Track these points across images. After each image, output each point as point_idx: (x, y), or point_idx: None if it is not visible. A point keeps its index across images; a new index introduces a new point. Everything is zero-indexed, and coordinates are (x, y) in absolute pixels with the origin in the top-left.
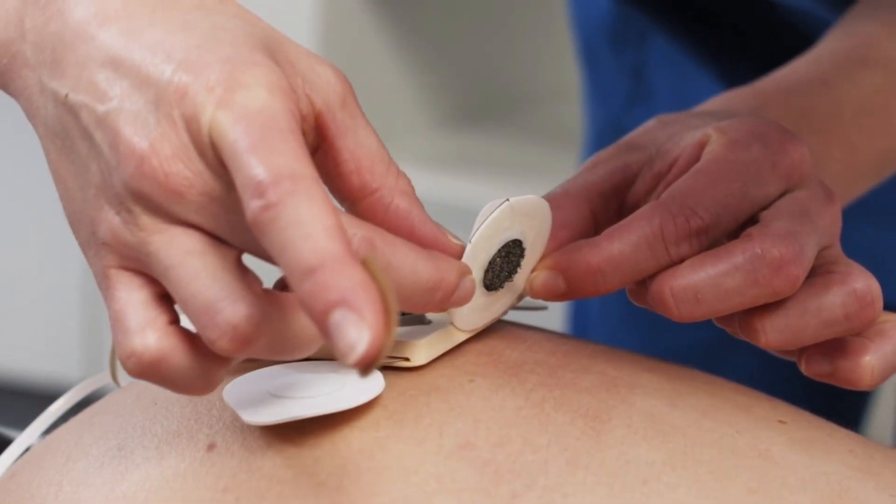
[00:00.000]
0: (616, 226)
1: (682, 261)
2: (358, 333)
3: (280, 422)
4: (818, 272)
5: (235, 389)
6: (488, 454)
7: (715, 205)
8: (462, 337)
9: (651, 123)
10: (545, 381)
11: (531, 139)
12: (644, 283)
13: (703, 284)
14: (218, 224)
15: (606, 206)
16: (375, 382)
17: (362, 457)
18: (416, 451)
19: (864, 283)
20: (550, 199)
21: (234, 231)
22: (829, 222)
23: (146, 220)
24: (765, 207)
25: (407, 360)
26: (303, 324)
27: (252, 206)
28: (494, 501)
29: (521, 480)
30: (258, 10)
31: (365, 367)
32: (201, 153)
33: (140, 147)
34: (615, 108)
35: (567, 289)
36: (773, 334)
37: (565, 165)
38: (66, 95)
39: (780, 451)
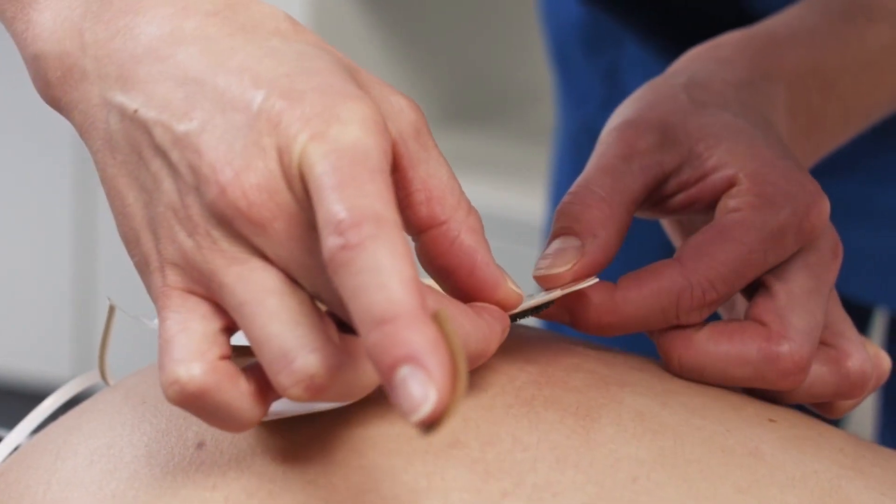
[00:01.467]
0: (633, 282)
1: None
2: (424, 392)
3: (270, 419)
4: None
5: None
6: (478, 452)
7: (733, 276)
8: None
9: (682, 100)
10: (535, 380)
11: (517, 139)
12: None
13: (711, 366)
14: (295, 263)
15: (637, 209)
16: None
17: (352, 455)
18: (405, 450)
19: (858, 367)
20: (597, 197)
21: (309, 274)
22: (834, 278)
23: (226, 246)
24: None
25: None
26: (371, 371)
27: (330, 243)
28: (484, 499)
29: (511, 479)
30: None
31: (428, 428)
32: (289, 185)
33: (225, 172)
34: (589, 111)
35: (570, 323)
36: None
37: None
38: (136, 111)
39: (771, 450)
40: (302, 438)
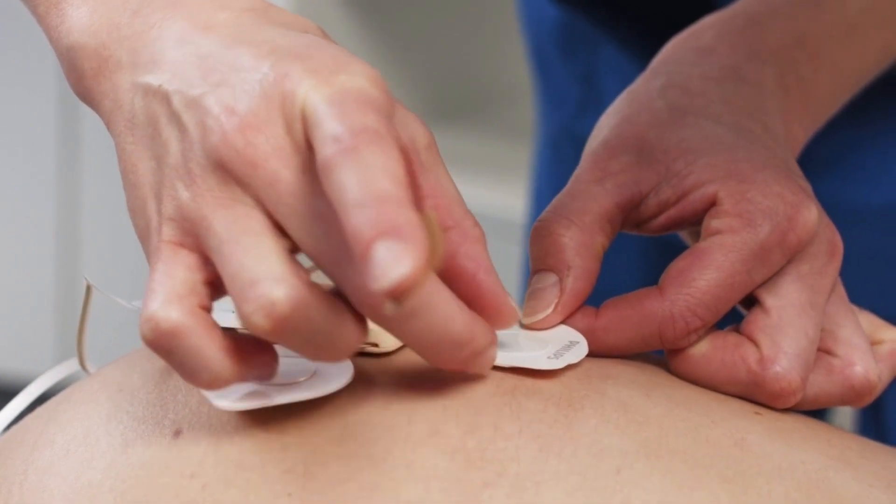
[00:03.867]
0: (614, 310)
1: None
2: (398, 258)
3: (249, 408)
4: (819, 349)
5: None
6: (458, 442)
7: (716, 302)
8: None
9: (660, 109)
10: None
11: (499, 137)
12: None
13: (705, 381)
14: (284, 207)
15: (614, 228)
16: (345, 371)
17: (331, 444)
18: (385, 439)
19: (862, 375)
20: (564, 224)
21: (297, 219)
22: (831, 281)
23: (219, 192)
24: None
25: (375, 345)
26: (345, 327)
27: (325, 150)
28: (465, 489)
29: (493, 468)
30: None
31: (395, 299)
32: (289, 128)
33: (228, 119)
34: (567, 113)
35: None
36: (792, 372)
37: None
38: (160, 85)
39: (757, 440)
40: (280, 427)
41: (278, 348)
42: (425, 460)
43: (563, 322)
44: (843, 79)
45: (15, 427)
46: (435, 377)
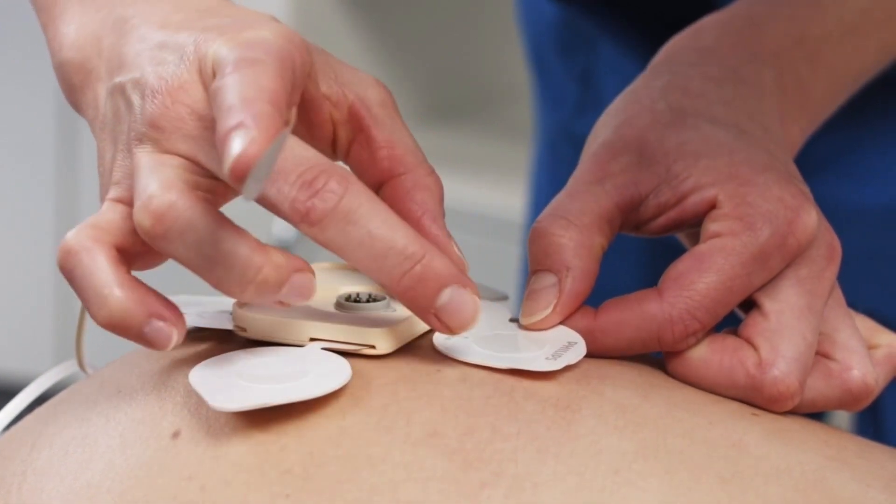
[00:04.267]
0: (614, 312)
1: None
2: (239, 143)
3: (247, 408)
4: (817, 352)
5: (201, 373)
6: (456, 443)
7: (714, 305)
8: (429, 325)
9: (661, 110)
10: (515, 372)
11: (497, 136)
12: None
13: (704, 384)
14: (199, 148)
15: (613, 229)
16: (343, 371)
17: (329, 445)
18: (383, 440)
19: (860, 380)
20: (562, 224)
21: (206, 154)
22: (830, 285)
23: (150, 148)
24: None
25: (373, 347)
26: (236, 245)
27: (215, 82)
28: (463, 490)
29: (491, 469)
30: None
31: (237, 174)
32: (204, 83)
33: (159, 86)
34: (565, 113)
35: None
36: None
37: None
38: (120, 81)
39: (755, 442)
40: (278, 428)
41: (272, 349)
42: (423, 461)
43: (561, 323)
44: (840, 79)
45: (13, 428)
46: (434, 378)
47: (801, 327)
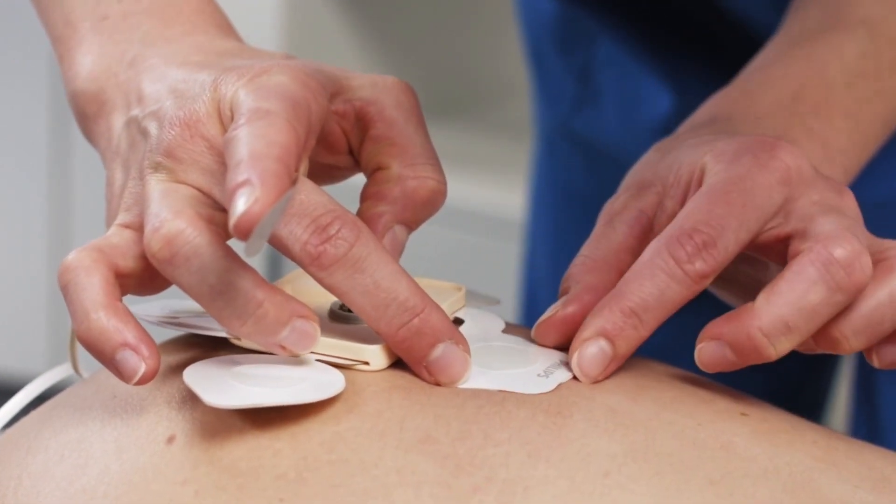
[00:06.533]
0: (629, 272)
1: (704, 282)
2: (245, 201)
3: (242, 407)
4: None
5: (195, 372)
6: (449, 448)
7: (715, 218)
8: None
9: (650, 155)
10: None
11: (494, 134)
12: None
13: (788, 310)
14: (214, 182)
15: (635, 258)
16: (337, 379)
17: (322, 449)
18: (376, 445)
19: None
20: (585, 270)
21: (220, 190)
22: (855, 211)
23: (162, 176)
24: (775, 217)
25: (366, 364)
26: (240, 279)
27: (229, 132)
28: (455, 494)
29: (482, 473)
30: (223, 6)
31: (241, 231)
32: (222, 122)
33: (177, 118)
34: (563, 110)
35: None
36: (855, 338)
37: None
38: (137, 114)
39: (743, 443)
40: (272, 433)
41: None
42: (416, 466)
43: None
44: (861, 126)
45: (9, 431)
46: (427, 387)
47: (839, 222)
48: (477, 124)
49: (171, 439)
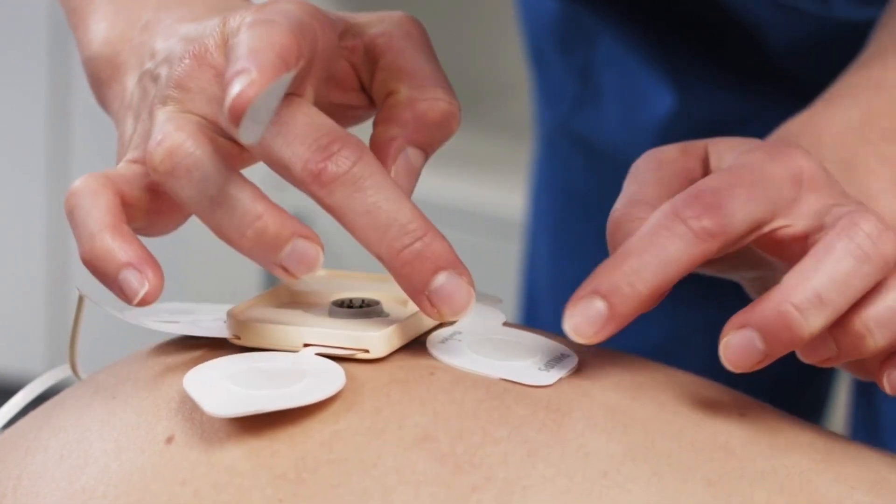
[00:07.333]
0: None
1: (710, 242)
2: (239, 84)
3: (241, 415)
4: None
5: (195, 379)
6: (448, 447)
7: (723, 185)
8: (422, 329)
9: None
10: None
11: (494, 134)
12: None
13: (818, 280)
14: (220, 113)
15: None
16: (337, 377)
17: (321, 449)
18: (375, 444)
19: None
20: (637, 213)
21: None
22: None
23: (172, 106)
24: (787, 215)
25: (366, 351)
26: (240, 191)
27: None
28: (454, 494)
29: (481, 472)
30: None
31: (234, 114)
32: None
33: (186, 52)
34: (563, 109)
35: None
36: (879, 331)
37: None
38: (152, 66)
39: (740, 444)
40: (271, 433)
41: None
42: (415, 465)
43: None
44: None
45: (8, 431)
46: (427, 382)
47: (859, 204)
48: (477, 124)
49: (170, 439)
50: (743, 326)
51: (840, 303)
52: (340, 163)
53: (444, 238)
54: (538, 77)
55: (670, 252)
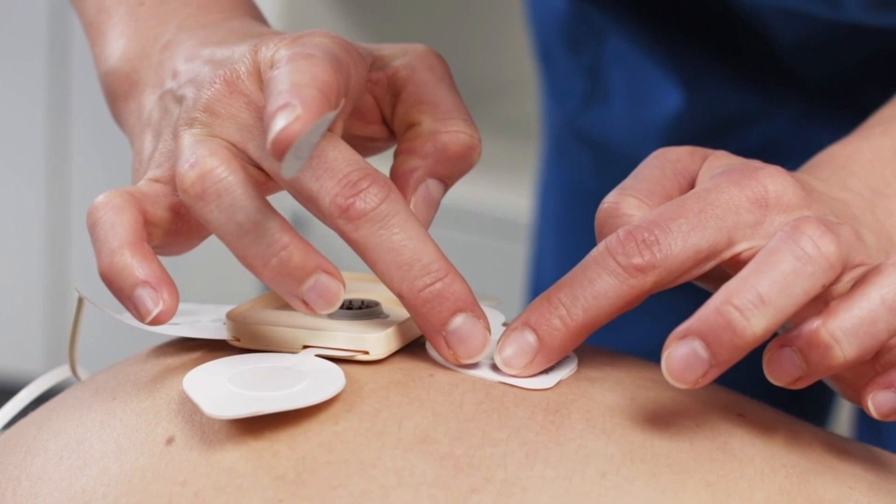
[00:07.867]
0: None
1: (642, 278)
2: (284, 120)
3: (241, 416)
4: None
5: (195, 380)
6: (447, 448)
7: (662, 220)
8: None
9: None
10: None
11: (500, 134)
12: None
13: (756, 279)
14: (249, 138)
15: None
16: (337, 379)
17: (321, 450)
18: (374, 445)
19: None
20: (632, 203)
21: (255, 144)
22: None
23: (198, 129)
24: (751, 238)
25: (366, 353)
26: (267, 221)
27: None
28: (453, 495)
29: (480, 474)
30: None
31: (278, 148)
32: (262, 80)
33: (216, 77)
34: (571, 108)
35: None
36: (847, 341)
37: (528, 159)
38: (175, 86)
39: (739, 444)
40: (271, 434)
41: (265, 356)
42: (414, 466)
43: None
44: None
45: (7, 432)
46: (426, 384)
47: (826, 217)
48: (483, 124)
49: (170, 440)
50: (684, 336)
51: (784, 304)
52: (369, 199)
53: (463, 280)
54: (546, 76)
55: (599, 288)
